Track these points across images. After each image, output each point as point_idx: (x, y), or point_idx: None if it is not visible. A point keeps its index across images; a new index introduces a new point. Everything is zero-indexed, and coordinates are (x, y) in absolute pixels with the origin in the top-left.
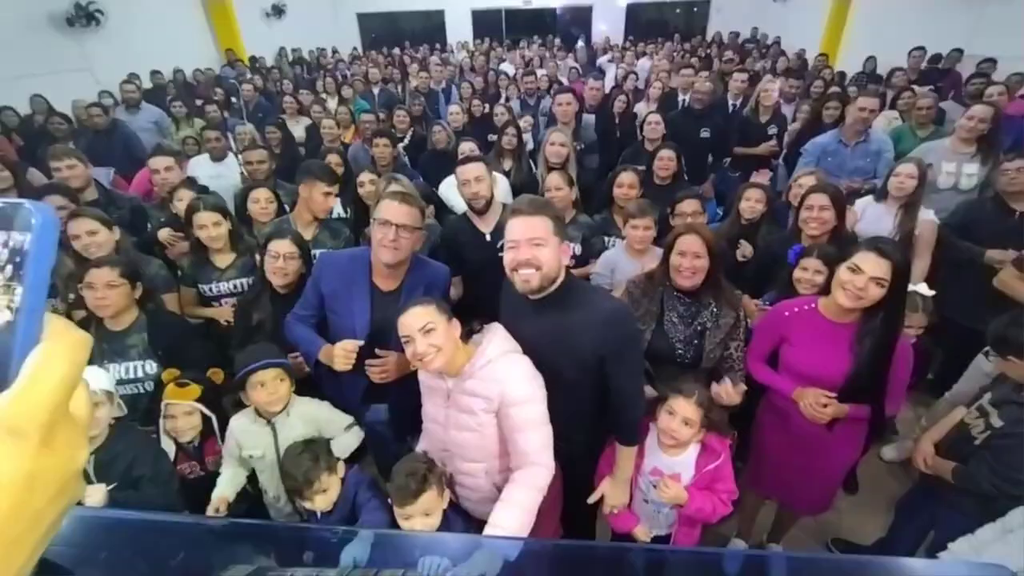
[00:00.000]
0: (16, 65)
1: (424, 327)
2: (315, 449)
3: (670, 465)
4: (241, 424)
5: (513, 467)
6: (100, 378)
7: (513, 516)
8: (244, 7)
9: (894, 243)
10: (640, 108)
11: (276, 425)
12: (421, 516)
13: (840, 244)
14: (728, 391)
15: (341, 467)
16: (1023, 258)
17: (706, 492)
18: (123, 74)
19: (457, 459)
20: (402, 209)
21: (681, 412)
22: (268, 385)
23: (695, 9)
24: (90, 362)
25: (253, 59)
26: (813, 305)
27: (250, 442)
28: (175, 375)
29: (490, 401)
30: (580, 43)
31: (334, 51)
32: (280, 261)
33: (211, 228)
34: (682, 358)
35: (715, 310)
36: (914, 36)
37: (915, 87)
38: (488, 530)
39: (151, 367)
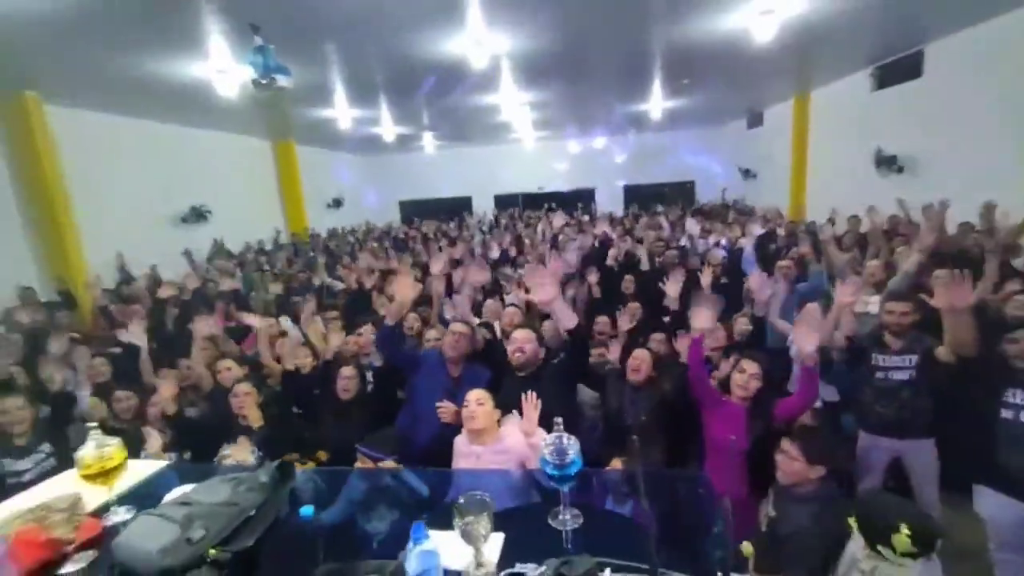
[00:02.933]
0: (142, 254)
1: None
2: None
3: None
4: None
5: None
6: None
7: None
8: (311, 199)
9: (761, 353)
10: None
11: None
12: None
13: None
14: None
15: None
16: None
17: None
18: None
19: None
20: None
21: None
22: None
23: (685, 186)
24: None
25: (316, 235)
26: (725, 397)
27: None
28: (295, 457)
29: (509, 452)
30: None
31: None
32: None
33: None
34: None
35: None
36: (862, 200)
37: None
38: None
39: None
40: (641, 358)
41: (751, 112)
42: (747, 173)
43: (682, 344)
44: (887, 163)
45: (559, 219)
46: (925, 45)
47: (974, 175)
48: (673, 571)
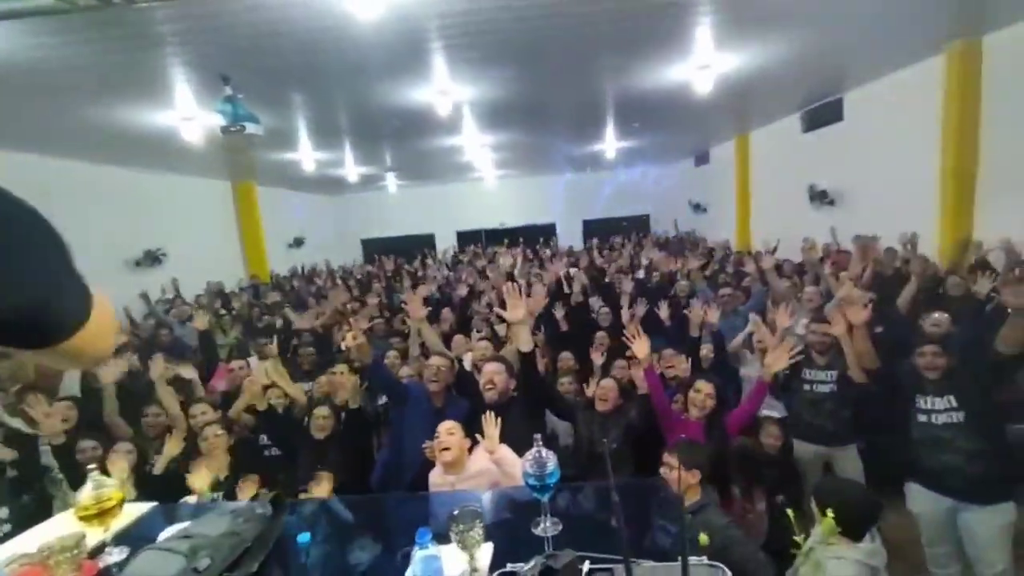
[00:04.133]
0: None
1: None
2: None
3: None
4: None
5: None
6: None
7: None
8: (271, 239)
9: (714, 374)
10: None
11: None
12: None
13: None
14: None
15: None
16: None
17: None
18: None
19: None
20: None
21: None
22: None
23: (641, 219)
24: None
25: (276, 276)
26: (683, 416)
27: None
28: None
29: (480, 475)
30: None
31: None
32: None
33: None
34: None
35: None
36: (801, 230)
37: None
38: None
39: None
40: (608, 387)
41: (698, 151)
42: (697, 207)
43: (636, 374)
44: (819, 197)
45: (507, 259)
46: (844, 93)
47: (893, 205)
48: (642, 559)
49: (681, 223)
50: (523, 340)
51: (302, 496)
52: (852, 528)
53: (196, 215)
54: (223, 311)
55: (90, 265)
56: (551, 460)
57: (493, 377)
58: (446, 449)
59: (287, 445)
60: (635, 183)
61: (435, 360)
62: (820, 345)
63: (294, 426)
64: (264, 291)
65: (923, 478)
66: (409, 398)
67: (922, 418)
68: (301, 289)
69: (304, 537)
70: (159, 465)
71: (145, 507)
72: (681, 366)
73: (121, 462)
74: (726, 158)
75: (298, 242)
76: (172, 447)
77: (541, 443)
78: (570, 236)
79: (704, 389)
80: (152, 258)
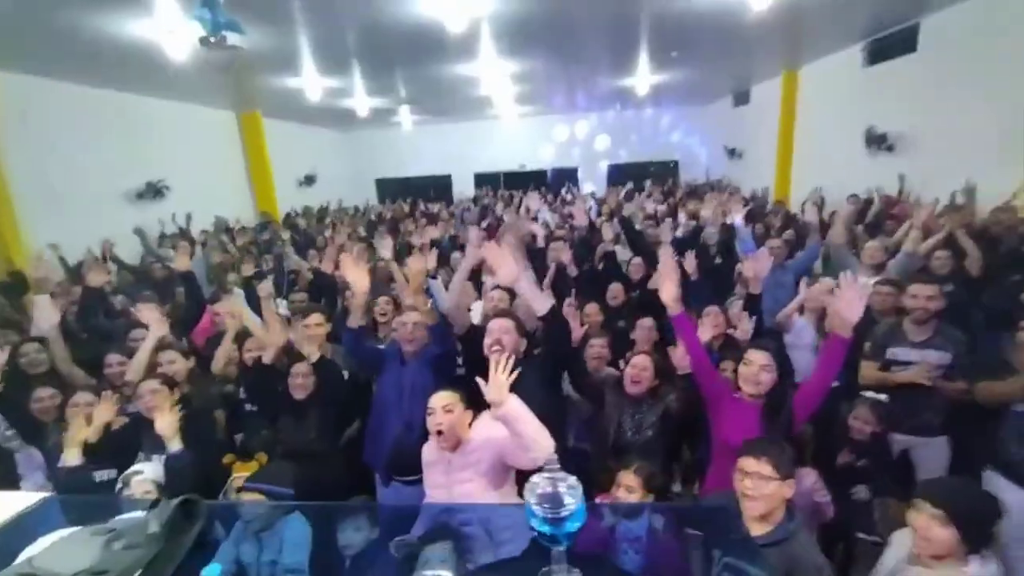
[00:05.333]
0: (96, 230)
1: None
2: None
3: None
4: None
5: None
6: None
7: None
8: (282, 176)
9: (769, 340)
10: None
11: None
12: None
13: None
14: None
15: None
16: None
17: None
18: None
19: None
20: None
21: (624, 482)
22: None
23: (669, 165)
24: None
25: (287, 216)
26: (736, 394)
27: None
28: (233, 458)
29: (482, 449)
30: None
31: (355, 208)
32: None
33: None
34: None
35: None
36: (850, 180)
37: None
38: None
39: None
40: (641, 365)
41: (738, 90)
42: (732, 153)
43: (677, 353)
44: (877, 141)
45: (534, 202)
46: (921, 17)
47: (969, 152)
48: None
49: (712, 171)
50: (535, 301)
51: (236, 473)
52: (974, 537)
53: (200, 147)
54: (231, 249)
55: (87, 196)
56: (571, 494)
57: (501, 337)
58: (441, 432)
59: (267, 404)
60: (665, 126)
61: (408, 316)
62: (924, 313)
63: (276, 382)
64: (274, 230)
65: (1009, 470)
66: (386, 362)
67: (1021, 407)
68: (311, 229)
69: (212, 571)
70: (91, 432)
71: (26, 500)
72: (744, 326)
73: (80, 418)
74: (769, 98)
75: (309, 180)
76: (103, 412)
77: (558, 465)
78: (593, 182)
79: (757, 360)
80: (154, 191)
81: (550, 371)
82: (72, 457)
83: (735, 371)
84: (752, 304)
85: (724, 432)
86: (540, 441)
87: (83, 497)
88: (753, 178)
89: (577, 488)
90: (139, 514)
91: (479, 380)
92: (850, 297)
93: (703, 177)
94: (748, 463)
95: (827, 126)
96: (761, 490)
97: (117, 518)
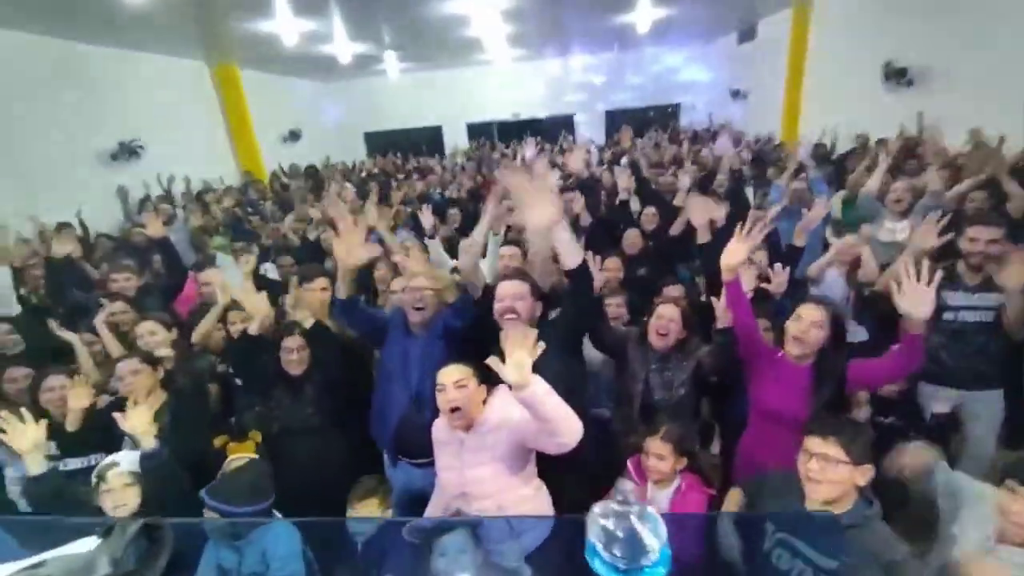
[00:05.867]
0: (66, 195)
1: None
2: None
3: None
4: None
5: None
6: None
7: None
8: (264, 132)
9: (826, 297)
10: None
11: None
12: None
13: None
14: None
15: None
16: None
17: None
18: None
19: (472, 500)
20: None
21: (653, 450)
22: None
23: (669, 110)
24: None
25: (274, 175)
26: (780, 354)
27: None
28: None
29: (499, 429)
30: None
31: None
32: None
33: None
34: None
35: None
36: (861, 120)
37: None
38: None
39: None
40: (667, 315)
41: (743, 25)
42: (736, 94)
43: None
44: (896, 76)
45: (530, 150)
46: None
47: (1001, 90)
48: None
49: (716, 115)
50: (569, 252)
51: (231, 455)
52: None
53: (174, 103)
54: (215, 211)
55: (55, 158)
56: (655, 531)
57: (514, 304)
58: (455, 410)
59: (255, 378)
60: (666, 67)
61: (418, 281)
62: (981, 257)
63: (264, 354)
64: (259, 190)
65: None
66: (389, 331)
67: None
68: (294, 188)
69: None
70: (69, 419)
71: None
72: (780, 278)
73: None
74: (777, 33)
75: (294, 135)
76: (78, 397)
77: (625, 495)
78: (591, 129)
79: (809, 315)
80: (128, 151)
81: (572, 336)
82: (35, 465)
83: (767, 329)
84: (792, 256)
85: (765, 395)
86: (569, 424)
87: (21, 518)
88: (759, 120)
89: (657, 522)
90: (85, 545)
91: (494, 360)
92: (916, 297)
93: (706, 122)
94: (814, 443)
95: (842, 61)
96: (827, 474)
97: (52, 555)
